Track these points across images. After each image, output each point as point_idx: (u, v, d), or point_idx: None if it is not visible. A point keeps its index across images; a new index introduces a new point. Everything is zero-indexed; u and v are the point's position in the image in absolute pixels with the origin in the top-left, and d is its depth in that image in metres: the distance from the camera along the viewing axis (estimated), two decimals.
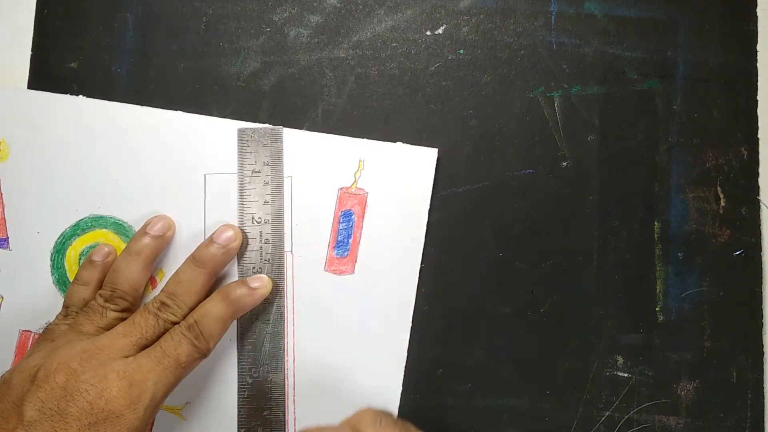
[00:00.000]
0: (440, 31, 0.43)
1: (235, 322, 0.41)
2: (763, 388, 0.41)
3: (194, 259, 0.39)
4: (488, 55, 0.43)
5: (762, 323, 0.41)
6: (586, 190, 0.42)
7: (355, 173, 0.41)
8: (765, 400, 0.41)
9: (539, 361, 0.41)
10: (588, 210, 0.42)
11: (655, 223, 0.42)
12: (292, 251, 0.41)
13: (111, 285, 0.39)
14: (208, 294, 0.39)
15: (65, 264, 0.41)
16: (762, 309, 0.42)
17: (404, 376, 0.41)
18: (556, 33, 0.43)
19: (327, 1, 0.43)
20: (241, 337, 0.40)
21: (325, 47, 0.43)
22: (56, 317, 0.39)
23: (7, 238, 0.41)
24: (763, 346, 0.41)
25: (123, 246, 0.41)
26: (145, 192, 0.41)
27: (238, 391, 0.40)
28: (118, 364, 0.35)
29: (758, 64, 0.43)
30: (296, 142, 0.41)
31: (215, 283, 0.40)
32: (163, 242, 0.40)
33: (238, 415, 0.40)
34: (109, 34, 0.43)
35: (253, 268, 0.41)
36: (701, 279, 0.42)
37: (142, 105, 0.42)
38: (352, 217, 0.41)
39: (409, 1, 0.43)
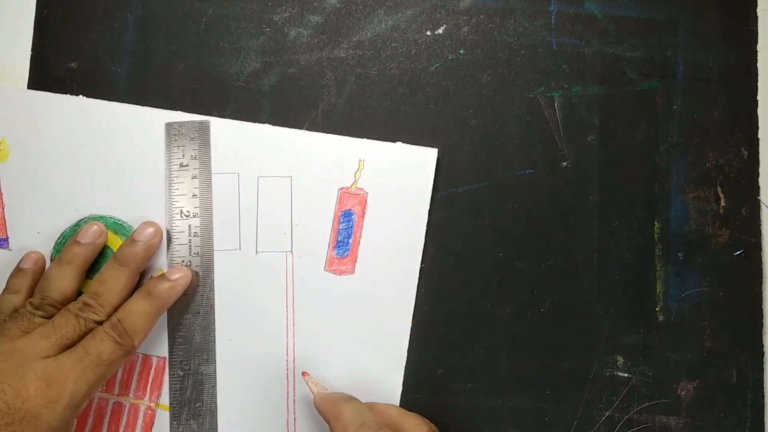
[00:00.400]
0: (440, 31, 0.43)
1: (165, 316, 0.41)
2: (763, 388, 0.41)
3: (116, 258, 0.39)
4: (488, 55, 0.43)
5: (762, 323, 0.41)
6: (586, 190, 0.42)
7: (355, 173, 0.41)
8: (765, 400, 0.41)
9: (539, 361, 0.41)
10: (588, 210, 0.42)
11: (655, 223, 0.42)
12: (292, 251, 0.41)
13: (41, 293, 0.39)
14: (132, 292, 0.39)
15: None
16: (762, 309, 0.42)
17: (404, 376, 0.41)
18: (556, 33, 0.43)
19: (327, 1, 0.43)
20: (172, 331, 0.40)
21: (325, 47, 0.43)
22: None
23: (7, 238, 0.41)
24: (763, 346, 0.41)
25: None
26: (145, 192, 0.41)
27: (170, 383, 0.40)
28: (38, 364, 0.35)
29: (758, 64, 0.43)
30: (295, 142, 0.41)
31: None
32: (95, 249, 0.40)
33: (170, 407, 0.40)
34: (109, 34, 0.43)
35: (183, 261, 0.41)
36: (701, 279, 0.42)
37: (142, 105, 0.42)
38: (352, 217, 0.41)
39: (409, 1, 0.43)
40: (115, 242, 0.41)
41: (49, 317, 0.38)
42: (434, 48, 0.43)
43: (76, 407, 0.35)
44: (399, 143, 0.41)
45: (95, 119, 0.41)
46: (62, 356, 0.35)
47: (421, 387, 0.41)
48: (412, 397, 0.41)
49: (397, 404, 0.41)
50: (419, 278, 0.41)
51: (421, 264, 0.41)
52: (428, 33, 0.43)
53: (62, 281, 0.39)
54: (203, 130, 0.41)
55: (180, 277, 0.40)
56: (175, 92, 0.42)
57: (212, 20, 0.43)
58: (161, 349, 0.41)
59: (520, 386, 0.41)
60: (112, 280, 0.39)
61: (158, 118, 0.41)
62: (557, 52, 0.43)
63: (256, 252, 0.41)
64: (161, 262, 0.41)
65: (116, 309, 0.38)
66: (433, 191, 0.42)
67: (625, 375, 0.41)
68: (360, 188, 0.41)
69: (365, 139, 0.42)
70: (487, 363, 0.41)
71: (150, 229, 0.40)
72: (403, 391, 0.41)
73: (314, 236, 0.41)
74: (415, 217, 0.41)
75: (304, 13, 0.43)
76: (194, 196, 0.40)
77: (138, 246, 0.40)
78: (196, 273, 0.41)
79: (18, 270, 0.40)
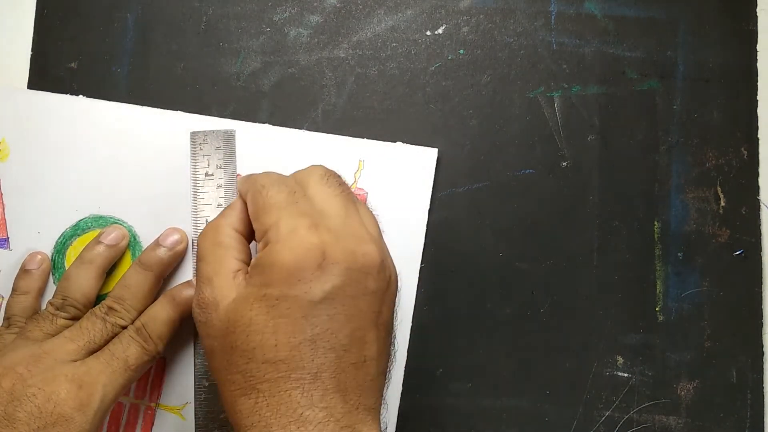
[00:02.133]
0: (440, 31, 0.43)
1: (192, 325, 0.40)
2: (763, 388, 0.41)
3: (141, 263, 0.39)
4: (488, 55, 0.43)
5: (762, 323, 0.42)
6: (586, 190, 0.42)
7: (355, 173, 0.41)
8: (765, 400, 0.41)
9: (539, 361, 0.41)
10: (588, 210, 0.42)
11: (655, 223, 0.42)
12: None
13: (62, 293, 0.38)
14: (156, 297, 0.39)
15: (65, 264, 0.41)
16: (762, 309, 0.42)
17: (404, 376, 0.41)
18: (556, 33, 0.43)
19: (327, 1, 0.43)
20: (197, 341, 0.40)
21: (325, 47, 0.43)
22: None
23: (8, 238, 0.41)
24: (763, 346, 0.41)
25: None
26: (145, 192, 0.41)
27: (195, 395, 0.39)
28: (67, 368, 0.35)
29: (758, 64, 0.43)
30: (295, 142, 0.41)
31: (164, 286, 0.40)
32: (117, 252, 0.40)
33: (195, 419, 0.39)
34: (109, 34, 0.43)
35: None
36: (701, 279, 0.42)
37: (142, 105, 0.42)
38: None
39: (409, 1, 0.43)
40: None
41: (71, 318, 0.38)
42: (434, 48, 0.43)
43: (105, 411, 0.35)
44: (399, 143, 0.41)
45: (95, 119, 0.41)
46: (90, 360, 0.35)
47: (421, 387, 0.41)
48: (412, 397, 0.41)
49: (397, 405, 0.41)
50: (419, 278, 0.41)
51: (421, 264, 0.41)
52: (428, 33, 0.43)
53: (84, 281, 0.39)
54: (228, 139, 0.41)
55: None
56: (175, 92, 0.42)
57: (212, 20, 0.43)
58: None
59: (520, 386, 0.41)
60: (137, 285, 0.38)
61: (165, 120, 0.41)
62: (557, 52, 0.43)
63: None
64: (187, 271, 0.41)
65: (140, 313, 0.38)
66: (433, 191, 0.42)
67: (625, 375, 0.41)
68: (360, 188, 0.41)
69: (365, 139, 0.42)
70: (487, 363, 0.41)
71: (176, 236, 0.40)
72: (403, 391, 0.41)
73: None
74: (415, 217, 0.41)
75: (304, 13, 0.43)
76: (219, 205, 0.40)
77: (161, 251, 0.39)
78: None
79: (24, 271, 0.40)
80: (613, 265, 0.42)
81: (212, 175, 0.40)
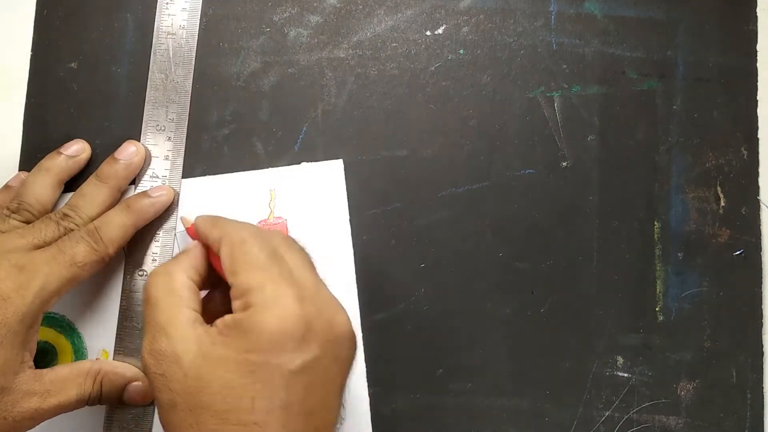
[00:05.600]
0: (440, 31, 0.43)
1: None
2: (762, 388, 0.41)
3: (97, 175, 0.40)
4: (488, 55, 0.43)
5: (762, 323, 0.42)
6: (586, 190, 0.42)
7: (269, 203, 0.41)
8: (765, 400, 0.41)
9: (539, 361, 0.41)
10: (588, 210, 0.42)
11: (655, 223, 0.42)
12: None
13: (18, 198, 0.39)
14: (110, 208, 0.40)
15: None
16: (762, 309, 0.42)
17: (404, 376, 0.41)
18: (556, 33, 0.43)
19: (327, 1, 0.43)
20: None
21: (325, 47, 0.43)
22: None
23: None
24: (763, 346, 0.41)
25: (60, 339, 0.41)
26: None
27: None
28: (12, 254, 0.35)
29: (758, 64, 0.43)
30: (199, 189, 0.41)
31: None
32: (76, 164, 0.40)
33: None
34: (109, 34, 0.43)
35: (156, 125, 0.41)
36: (701, 279, 0.42)
37: (140, 106, 0.42)
38: None
39: (409, 1, 0.43)
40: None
41: (24, 221, 0.38)
42: (434, 48, 0.43)
43: (45, 300, 0.35)
44: (304, 163, 0.42)
45: None
46: (36, 251, 0.36)
47: (421, 387, 0.41)
48: (412, 397, 0.41)
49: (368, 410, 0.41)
50: (419, 278, 0.41)
51: (421, 264, 0.41)
52: (428, 33, 0.43)
53: (39, 188, 0.39)
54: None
55: (161, 195, 0.40)
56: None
57: (212, 20, 0.43)
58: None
59: (520, 386, 0.41)
60: (92, 195, 0.39)
61: None
62: (557, 52, 0.43)
63: None
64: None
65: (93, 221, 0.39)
66: (431, 192, 0.42)
67: (625, 375, 0.41)
68: (278, 217, 0.41)
69: (270, 169, 0.41)
70: (487, 363, 0.41)
71: (132, 148, 0.40)
72: (403, 391, 0.41)
73: None
74: (338, 229, 0.41)
75: (304, 13, 0.43)
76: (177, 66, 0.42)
77: (119, 164, 0.40)
78: (177, 193, 0.41)
79: (5, 187, 0.41)
80: (613, 265, 0.42)
81: (174, 34, 0.42)
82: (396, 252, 0.41)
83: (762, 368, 0.41)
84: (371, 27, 0.43)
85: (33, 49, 0.43)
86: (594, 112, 0.43)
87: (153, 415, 0.40)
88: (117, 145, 0.41)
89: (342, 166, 0.42)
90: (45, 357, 0.41)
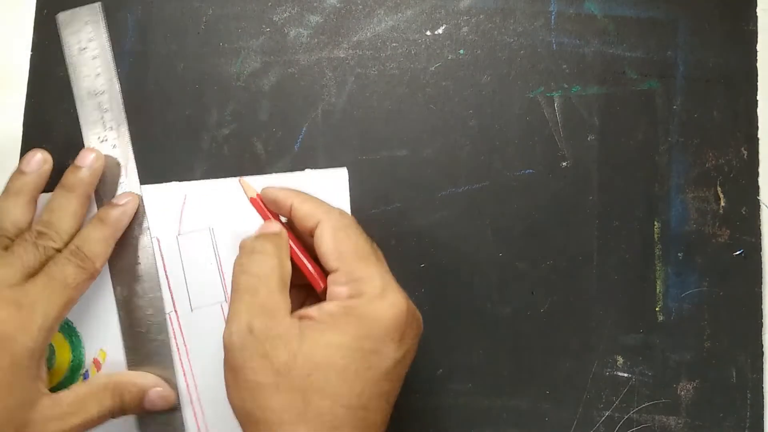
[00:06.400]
0: (440, 31, 0.43)
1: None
2: (762, 388, 0.41)
3: (63, 186, 0.40)
4: (488, 55, 0.43)
5: (762, 323, 0.41)
6: (586, 190, 0.42)
7: None
8: (765, 400, 0.41)
9: (539, 361, 0.41)
10: (588, 210, 0.42)
11: (655, 223, 0.42)
12: (226, 300, 0.41)
13: None
14: (83, 218, 0.40)
15: None
16: (762, 309, 0.42)
17: (404, 376, 0.41)
18: (556, 33, 0.43)
19: (327, 1, 0.43)
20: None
21: (325, 47, 0.43)
22: None
23: None
24: (762, 346, 0.41)
25: (57, 337, 0.41)
26: None
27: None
28: (5, 292, 0.35)
29: (758, 64, 0.43)
30: (207, 194, 0.41)
31: None
32: (41, 177, 0.40)
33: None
34: (109, 34, 0.43)
35: (98, 138, 0.41)
36: (701, 279, 0.42)
37: (141, 106, 0.42)
38: None
39: (409, 1, 0.43)
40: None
41: (3, 248, 0.38)
42: (434, 48, 0.43)
43: (49, 330, 0.35)
44: (308, 170, 0.42)
45: None
46: (28, 284, 0.36)
47: (421, 387, 0.41)
48: (412, 398, 0.41)
49: None
50: (420, 278, 0.41)
51: (422, 264, 0.41)
52: (428, 33, 0.43)
53: (12, 210, 0.39)
54: (93, 12, 0.42)
55: (128, 202, 0.40)
56: (174, 92, 0.42)
57: (212, 20, 0.43)
58: None
59: (520, 386, 0.41)
60: (62, 208, 0.39)
61: None
62: (557, 52, 0.43)
63: (192, 310, 0.41)
64: None
65: (71, 236, 0.38)
66: (431, 192, 0.42)
67: (625, 375, 0.41)
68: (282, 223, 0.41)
69: (274, 174, 0.41)
70: (487, 363, 0.41)
71: (92, 155, 0.40)
72: (403, 391, 0.41)
73: None
74: None
75: (304, 13, 0.43)
76: (98, 75, 0.42)
77: (82, 171, 0.40)
78: (141, 197, 0.41)
79: (19, 171, 0.40)
80: (613, 265, 0.42)
81: (85, 48, 0.42)
82: (396, 252, 0.41)
83: (762, 368, 0.41)
84: (371, 27, 0.43)
85: (33, 49, 0.43)
86: (594, 112, 0.43)
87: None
88: None
89: (346, 174, 0.42)
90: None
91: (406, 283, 0.41)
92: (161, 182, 0.42)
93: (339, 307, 0.32)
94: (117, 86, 0.42)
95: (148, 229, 0.41)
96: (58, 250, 0.38)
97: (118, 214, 0.40)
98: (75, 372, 0.41)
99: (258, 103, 0.42)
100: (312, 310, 0.32)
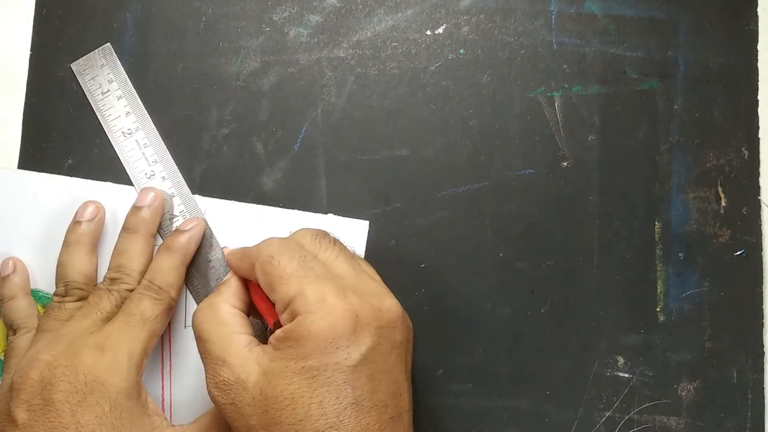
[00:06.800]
0: (440, 30, 0.43)
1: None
2: (763, 388, 0.41)
3: (126, 229, 0.40)
4: (488, 54, 0.43)
5: (763, 323, 0.41)
6: (586, 190, 0.42)
7: None
8: (765, 401, 0.41)
9: (539, 362, 0.41)
10: (588, 210, 0.42)
11: (656, 223, 0.42)
12: None
13: (62, 280, 0.39)
14: (151, 257, 0.40)
15: None
16: (763, 309, 0.42)
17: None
18: (556, 33, 0.43)
19: (327, 1, 0.43)
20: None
21: (325, 47, 0.43)
22: (8, 339, 0.39)
23: None
24: (763, 346, 0.41)
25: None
26: None
27: None
28: (86, 339, 0.35)
29: (759, 64, 0.43)
30: (227, 213, 0.41)
31: None
32: (98, 225, 0.40)
33: None
34: (109, 34, 0.43)
35: (145, 174, 0.41)
36: (702, 279, 0.42)
37: (142, 106, 0.42)
38: None
39: (409, 1, 0.43)
40: None
41: (79, 300, 0.38)
42: (434, 48, 0.43)
43: (137, 366, 0.35)
44: (330, 215, 0.41)
45: (30, 193, 0.41)
46: (107, 325, 0.36)
47: (421, 387, 0.41)
48: (412, 398, 0.41)
49: None
50: (420, 278, 0.41)
51: (422, 264, 0.41)
52: (428, 33, 0.43)
53: (77, 262, 0.39)
54: (107, 53, 0.42)
55: (193, 227, 0.40)
56: (174, 92, 0.42)
57: (212, 20, 0.43)
58: None
59: (520, 386, 0.41)
60: (129, 249, 0.39)
61: (100, 190, 0.42)
62: (557, 51, 0.43)
63: (185, 326, 0.41)
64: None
65: (142, 274, 0.38)
66: (431, 192, 0.42)
67: (626, 375, 0.41)
68: None
69: (297, 211, 0.41)
70: (487, 363, 0.41)
71: (151, 194, 0.40)
72: None
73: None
74: None
75: (304, 13, 0.43)
76: (127, 113, 0.42)
77: (143, 210, 0.40)
78: (206, 221, 0.41)
79: (1, 279, 0.40)
80: (614, 265, 0.42)
81: (108, 90, 0.42)
82: (396, 252, 0.41)
83: (763, 368, 0.41)
84: (371, 26, 0.43)
85: (33, 49, 0.43)
86: (594, 112, 0.42)
87: None
88: None
89: (367, 227, 0.41)
90: None
91: (406, 283, 0.41)
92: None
93: (282, 332, 0.32)
94: (149, 120, 0.42)
95: (219, 247, 0.41)
96: (131, 290, 0.38)
97: (185, 240, 0.39)
98: None
99: (258, 102, 0.42)
100: (271, 337, 0.33)
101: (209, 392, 0.33)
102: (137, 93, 0.42)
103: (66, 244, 0.40)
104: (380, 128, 0.42)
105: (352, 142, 0.42)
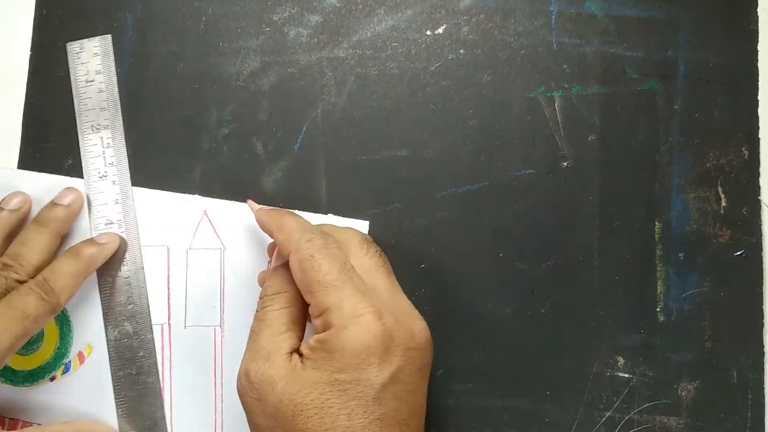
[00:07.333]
0: (440, 30, 0.43)
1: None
2: (763, 388, 0.41)
3: (37, 221, 0.39)
4: (488, 54, 0.43)
5: (762, 323, 0.41)
6: (586, 190, 0.42)
7: None
8: (765, 401, 0.41)
9: (539, 362, 0.41)
10: (588, 210, 0.42)
11: (656, 223, 0.42)
12: (221, 326, 0.41)
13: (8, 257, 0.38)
14: (53, 255, 0.39)
15: None
16: (762, 309, 0.41)
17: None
18: (556, 33, 0.43)
19: (327, 1, 0.43)
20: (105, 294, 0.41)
21: (325, 47, 0.43)
22: None
23: None
24: (763, 346, 0.41)
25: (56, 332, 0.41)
26: None
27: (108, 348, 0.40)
28: None
29: (759, 64, 0.43)
30: (226, 213, 0.41)
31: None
32: (18, 217, 0.40)
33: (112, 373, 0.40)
34: (109, 34, 0.43)
35: (98, 173, 0.41)
36: (702, 279, 0.42)
37: (141, 105, 0.42)
38: None
39: (409, 1, 0.43)
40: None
41: None
42: (434, 48, 0.43)
43: (1, 359, 0.35)
44: (330, 215, 0.41)
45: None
46: None
47: None
48: None
49: None
50: (420, 278, 0.41)
51: (422, 264, 0.41)
52: (428, 33, 0.43)
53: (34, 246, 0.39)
54: (105, 44, 0.42)
55: (107, 243, 0.40)
56: (174, 92, 0.42)
57: (212, 20, 0.43)
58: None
59: (520, 386, 0.41)
60: (32, 241, 0.39)
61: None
62: (557, 51, 0.43)
63: (185, 326, 0.41)
64: (84, 228, 0.41)
65: (37, 269, 0.38)
66: (431, 192, 0.42)
67: (626, 375, 0.41)
68: None
69: (298, 211, 0.41)
70: (487, 363, 0.41)
71: (72, 195, 0.40)
72: None
73: (247, 310, 0.40)
74: None
75: (304, 13, 0.43)
76: (102, 108, 0.42)
77: (58, 209, 0.40)
78: (124, 239, 0.41)
79: (53, 203, 0.40)
80: (614, 265, 0.42)
81: (92, 81, 0.41)
82: (396, 252, 0.41)
83: (763, 368, 0.41)
84: (371, 27, 0.43)
85: (33, 49, 0.43)
86: (594, 112, 0.42)
87: None
88: None
89: (367, 227, 0.41)
90: (29, 341, 0.40)
91: (406, 283, 0.41)
92: (161, 183, 0.42)
93: (315, 341, 0.32)
94: (120, 122, 0.42)
95: (143, 269, 0.41)
96: (22, 283, 0.37)
97: (94, 251, 0.39)
98: (58, 360, 0.41)
99: (258, 102, 0.42)
100: (303, 346, 0.33)
101: (239, 379, 0.33)
102: (138, 93, 0.42)
103: (35, 221, 0.39)
104: (380, 128, 0.42)
105: (352, 142, 0.42)
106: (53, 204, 0.40)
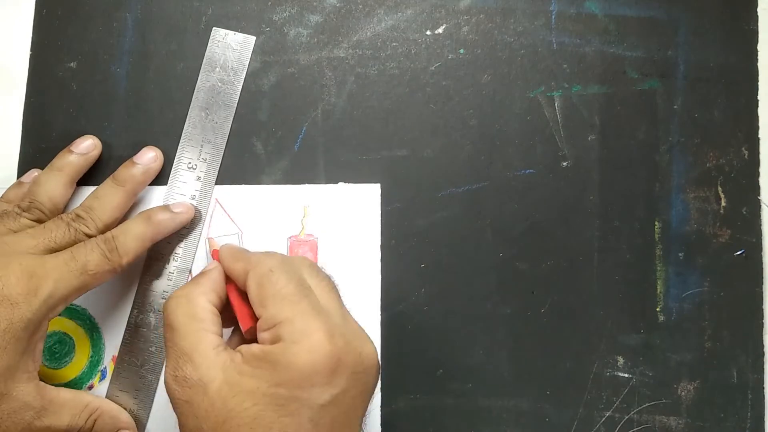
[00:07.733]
0: (440, 30, 0.43)
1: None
2: (763, 388, 0.41)
3: (114, 178, 0.39)
4: (488, 54, 0.43)
5: (762, 323, 0.41)
6: (586, 190, 0.42)
7: (302, 220, 0.41)
8: (765, 401, 0.41)
9: (539, 362, 0.41)
10: (588, 210, 0.42)
11: (656, 223, 0.42)
12: None
13: (30, 196, 0.38)
14: (125, 215, 0.39)
15: None
16: (762, 309, 0.42)
17: (404, 376, 0.41)
18: (556, 32, 0.43)
19: (327, 1, 0.43)
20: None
21: (325, 47, 0.43)
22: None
23: None
24: (763, 346, 0.41)
25: (79, 331, 0.41)
26: None
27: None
28: (23, 258, 0.34)
29: (759, 64, 0.43)
30: (238, 198, 0.41)
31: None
32: (87, 161, 0.40)
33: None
34: (109, 34, 0.43)
35: (188, 164, 0.41)
36: (702, 279, 0.42)
37: (141, 105, 0.42)
38: None
39: (409, 1, 0.43)
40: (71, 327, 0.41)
41: (35, 220, 0.38)
42: (434, 48, 0.43)
43: (52, 306, 0.35)
44: (341, 183, 0.41)
45: None
46: (48, 256, 0.35)
47: (421, 387, 0.41)
48: (412, 398, 0.41)
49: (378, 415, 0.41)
50: (419, 278, 0.41)
51: (422, 264, 0.41)
52: (428, 33, 0.43)
53: (51, 187, 0.39)
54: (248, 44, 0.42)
55: (181, 212, 0.40)
56: (174, 92, 0.42)
57: (212, 20, 0.43)
58: None
59: (520, 386, 0.41)
60: (107, 197, 0.39)
61: None
62: (557, 51, 0.43)
63: None
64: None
65: (107, 226, 0.38)
66: (431, 192, 0.42)
67: (626, 375, 0.41)
68: (309, 234, 0.41)
69: (306, 185, 0.41)
70: (487, 363, 0.41)
71: (151, 154, 0.40)
72: (403, 391, 0.41)
73: None
74: (368, 255, 0.41)
75: (304, 13, 0.43)
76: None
77: (137, 168, 0.40)
78: (199, 210, 0.41)
79: (17, 183, 0.40)
80: (614, 265, 0.42)
81: (221, 78, 0.41)
82: (396, 252, 0.41)
83: (763, 368, 0.41)
84: (371, 26, 0.43)
85: (33, 49, 0.43)
86: (595, 112, 0.42)
87: None
88: (117, 145, 0.42)
89: (379, 190, 0.41)
90: (63, 347, 0.41)
91: (406, 283, 0.41)
92: (160, 183, 0.42)
93: (260, 350, 0.32)
94: (227, 129, 0.42)
95: (189, 272, 0.41)
96: (89, 237, 0.37)
97: (167, 218, 0.39)
98: (93, 367, 0.41)
99: (258, 103, 0.42)
100: (243, 347, 0.32)
101: (166, 383, 0.32)
102: (138, 93, 0.42)
103: (50, 166, 0.40)
104: (380, 128, 0.42)
105: (352, 142, 0.42)
106: (132, 162, 0.40)
